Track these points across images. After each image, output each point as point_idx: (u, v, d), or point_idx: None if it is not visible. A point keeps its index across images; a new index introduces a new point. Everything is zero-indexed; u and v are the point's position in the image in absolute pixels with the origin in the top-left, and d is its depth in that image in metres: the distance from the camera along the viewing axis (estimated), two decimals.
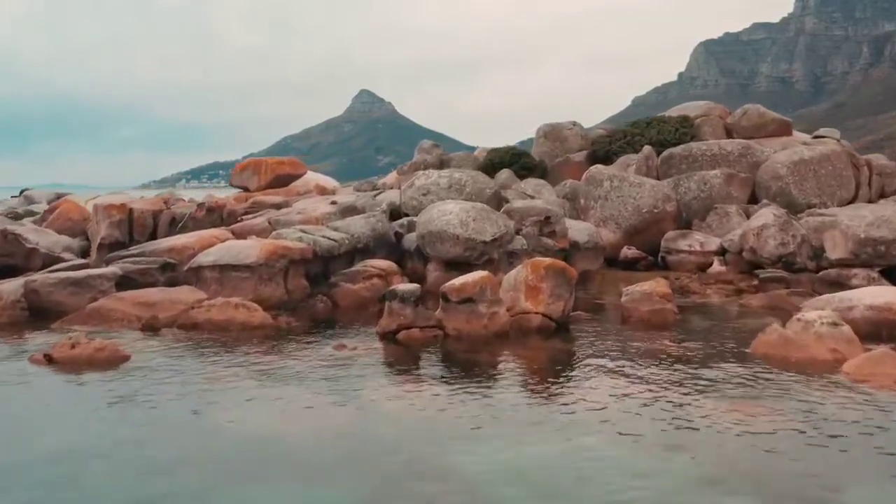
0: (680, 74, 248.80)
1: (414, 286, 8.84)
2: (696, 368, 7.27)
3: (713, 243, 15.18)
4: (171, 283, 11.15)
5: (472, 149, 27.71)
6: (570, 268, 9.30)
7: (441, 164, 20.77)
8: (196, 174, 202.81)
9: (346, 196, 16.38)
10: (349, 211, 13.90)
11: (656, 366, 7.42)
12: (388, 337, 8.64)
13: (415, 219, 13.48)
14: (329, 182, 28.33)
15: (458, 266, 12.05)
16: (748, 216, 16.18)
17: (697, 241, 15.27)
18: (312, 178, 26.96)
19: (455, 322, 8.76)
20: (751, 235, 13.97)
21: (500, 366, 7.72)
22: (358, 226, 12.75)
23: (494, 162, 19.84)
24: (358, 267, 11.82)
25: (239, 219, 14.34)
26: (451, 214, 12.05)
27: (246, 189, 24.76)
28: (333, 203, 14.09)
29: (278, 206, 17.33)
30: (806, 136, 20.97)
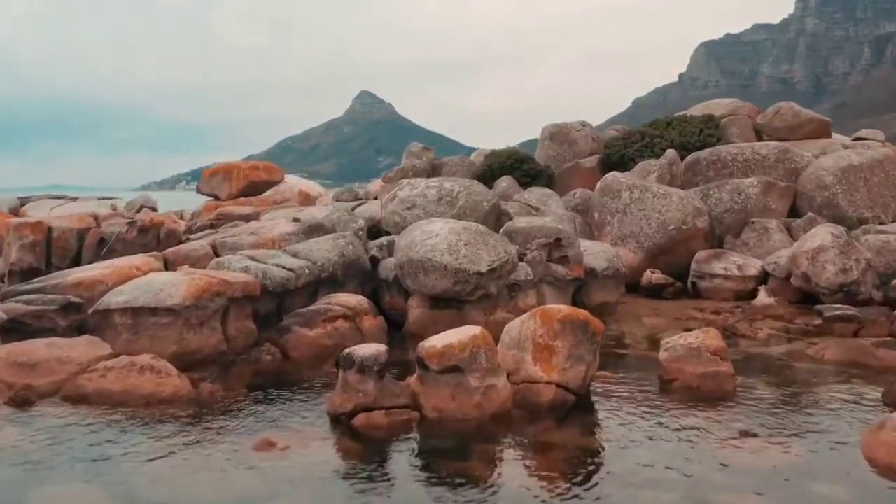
0: (680, 75, 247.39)
1: (377, 349, 6.34)
2: (790, 494, 4.79)
3: (753, 266, 12.73)
4: (80, 330, 8.65)
5: (472, 150, 25.17)
6: (594, 320, 6.81)
7: (432, 170, 18.28)
8: (196, 175, 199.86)
9: (318, 209, 13.89)
10: (316, 230, 11.41)
11: (726, 484, 4.94)
12: (341, 420, 6.17)
13: (396, 238, 11.02)
14: (314, 188, 25.71)
15: (446, 302, 9.62)
16: (790, 231, 13.78)
17: (734, 263, 12.81)
18: (295, 183, 24.36)
19: (436, 399, 6.29)
20: (804, 259, 11.51)
21: (500, 481, 5.21)
22: (323, 250, 10.28)
23: (493, 168, 17.41)
24: (318, 305, 9.30)
25: (185, 239, 11.86)
26: (437, 238, 9.57)
27: (216, 197, 22.30)
28: (296, 220, 11.58)
29: (248, 218, 15.12)
30: (845, 139, 18.62)
